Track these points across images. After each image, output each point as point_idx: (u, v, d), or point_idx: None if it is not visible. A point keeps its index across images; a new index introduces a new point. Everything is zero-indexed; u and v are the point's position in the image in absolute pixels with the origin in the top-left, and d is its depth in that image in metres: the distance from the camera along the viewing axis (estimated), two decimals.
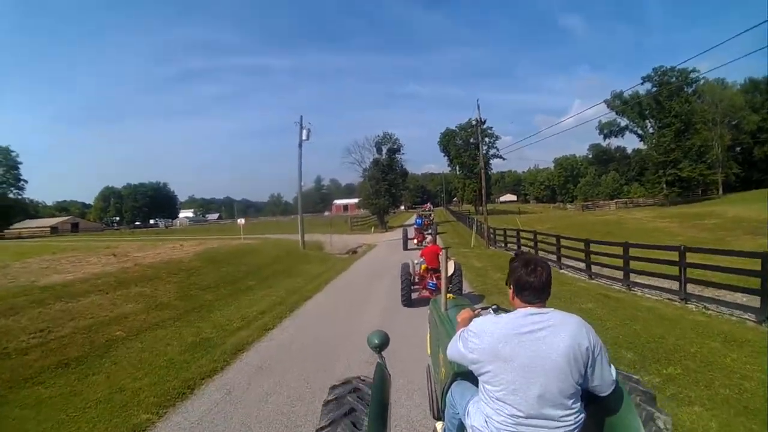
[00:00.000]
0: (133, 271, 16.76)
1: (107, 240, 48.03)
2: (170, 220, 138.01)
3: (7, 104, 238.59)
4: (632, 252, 13.98)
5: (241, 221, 39.39)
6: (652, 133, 77.11)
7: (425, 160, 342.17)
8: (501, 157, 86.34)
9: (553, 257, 19.75)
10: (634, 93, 74.91)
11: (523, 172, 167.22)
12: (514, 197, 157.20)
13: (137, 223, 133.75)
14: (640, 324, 9.22)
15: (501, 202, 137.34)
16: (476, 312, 3.27)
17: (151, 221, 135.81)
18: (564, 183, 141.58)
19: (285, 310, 12.92)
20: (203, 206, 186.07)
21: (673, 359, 7.16)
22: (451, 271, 11.00)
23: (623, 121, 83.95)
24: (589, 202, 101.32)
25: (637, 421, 2.43)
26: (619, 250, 14.33)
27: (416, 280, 13.00)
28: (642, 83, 73.78)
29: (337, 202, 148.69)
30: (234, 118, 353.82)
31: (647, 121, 77.78)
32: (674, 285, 11.85)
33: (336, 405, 2.91)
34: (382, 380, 3.21)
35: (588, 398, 2.53)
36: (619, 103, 74.65)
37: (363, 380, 3.20)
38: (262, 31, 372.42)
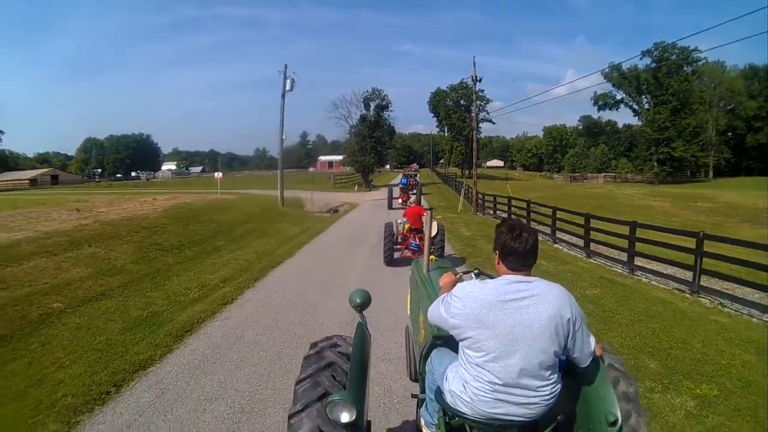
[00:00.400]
0: (90, 229, 14.85)
1: (82, 193, 45.49)
2: (152, 173, 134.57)
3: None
4: (640, 233, 12.71)
5: (218, 175, 36.89)
6: (648, 109, 75.25)
7: (413, 120, 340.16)
8: (491, 121, 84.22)
9: (547, 230, 18.56)
10: (632, 66, 73.01)
11: (511, 138, 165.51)
12: (500, 163, 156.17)
13: (118, 175, 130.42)
14: (658, 322, 7.97)
15: (488, 167, 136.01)
16: (458, 276, 3.22)
17: (132, 173, 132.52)
18: (552, 152, 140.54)
19: (250, 278, 11.57)
20: (187, 159, 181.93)
21: (705, 374, 5.96)
22: (434, 232, 11.59)
23: (619, 94, 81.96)
24: (577, 174, 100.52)
25: (612, 394, 2.44)
26: (623, 230, 13.10)
27: (399, 240, 13.30)
28: (641, 57, 71.91)
29: (322, 158, 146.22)
30: (222, 70, 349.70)
31: (644, 96, 75.81)
32: (683, 273, 10.72)
33: (316, 358, 2.92)
34: (362, 339, 3.14)
35: (565, 370, 2.56)
36: (617, 75, 72.85)
37: (344, 338, 3.24)
38: None
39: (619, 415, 2.36)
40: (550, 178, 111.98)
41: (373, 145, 55.51)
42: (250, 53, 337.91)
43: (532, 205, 22.21)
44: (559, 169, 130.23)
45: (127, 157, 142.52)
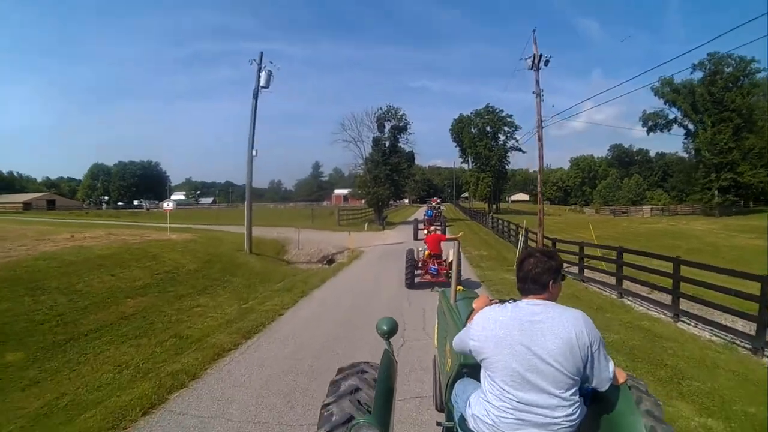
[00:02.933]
0: None
1: (60, 221, 40.28)
2: (155, 202, 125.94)
3: (14, 79, 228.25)
4: None
5: (168, 206, 26.42)
6: (705, 130, 63.25)
7: (432, 155, 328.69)
8: (520, 149, 74.33)
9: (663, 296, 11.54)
10: (686, 80, 62.25)
11: (534, 171, 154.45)
12: (526, 196, 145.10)
13: (119, 203, 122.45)
14: None
15: (512, 201, 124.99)
16: (492, 301, 2.99)
17: (135, 202, 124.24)
18: (580, 184, 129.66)
19: None
20: (200, 189, 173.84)
21: None
22: (451, 257, 11.44)
23: (672, 113, 69.44)
24: (614, 207, 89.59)
25: (641, 425, 2.37)
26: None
27: (419, 265, 14.10)
28: (692, 71, 61.23)
29: (338, 191, 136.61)
30: (241, 102, 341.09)
31: (700, 115, 64.08)
32: None
33: (342, 384, 2.92)
34: (389, 364, 3.13)
35: (591, 397, 2.54)
36: (669, 90, 62.05)
37: (370, 364, 3.24)
38: (276, 17, 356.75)
39: None
40: (580, 212, 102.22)
41: (389, 174, 44.80)
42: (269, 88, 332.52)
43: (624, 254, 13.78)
44: (587, 202, 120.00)
45: (133, 185, 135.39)
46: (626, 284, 13.38)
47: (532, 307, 2.42)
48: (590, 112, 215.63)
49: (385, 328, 3.64)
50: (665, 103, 66.36)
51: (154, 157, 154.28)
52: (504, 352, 2.35)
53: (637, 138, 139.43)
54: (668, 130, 69.67)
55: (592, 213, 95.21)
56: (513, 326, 2.37)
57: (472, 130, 77.37)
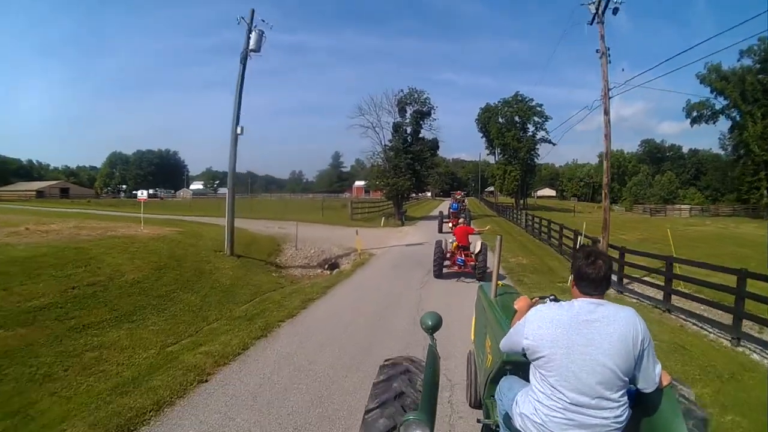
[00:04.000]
0: None
1: (54, 210, 36.97)
2: (172, 191, 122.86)
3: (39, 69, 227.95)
4: None
5: (142, 195, 22.32)
6: (755, 122, 56.77)
7: (456, 148, 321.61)
8: (551, 141, 68.75)
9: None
10: (737, 67, 56.08)
11: (560, 166, 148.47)
12: (552, 192, 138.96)
13: (134, 192, 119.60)
14: None
15: (538, 197, 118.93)
16: (534, 300, 3.12)
17: (150, 191, 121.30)
18: (608, 180, 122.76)
19: None
20: (217, 179, 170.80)
21: None
22: (477, 249, 13.89)
23: (719, 103, 62.76)
24: (649, 206, 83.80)
25: (683, 427, 2.34)
26: None
27: (447, 256, 14.28)
28: (739, 58, 55.05)
29: (359, 183, 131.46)
30: (265, 94, 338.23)
31: (749, 106, 57.55)
32: None
33: (386, 387, 2.81)
34: (433, 361, 2.97)
35: (636, 399, 2.51)
36: (716, 78, 56.00)
37: (413, 361, 3.14)
38: (299, 6, 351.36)
39: None
40: (611, 209, 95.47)
41: (410, 163, 39.57)
42: (292, 79, 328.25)
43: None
44: (614, 200, 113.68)
45: (150, 174, 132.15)
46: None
47: (588, 305, 2.40)
48: (617, 107, 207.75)
49: (429, 323, 3.40)
50: (712, 92, 59.92)
51: (176, 147, 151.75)
52: (560, 352, 2.32)
53: (667, 134, 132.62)
54: (714, 122, 63.63)
55: (622, 211, 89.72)
56: (570, 326, 2.35)
57: (500, 120, 71.84)
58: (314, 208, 38.37)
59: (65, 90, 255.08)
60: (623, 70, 45.82)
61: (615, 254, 13.89)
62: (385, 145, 40.05)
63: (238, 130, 17.82)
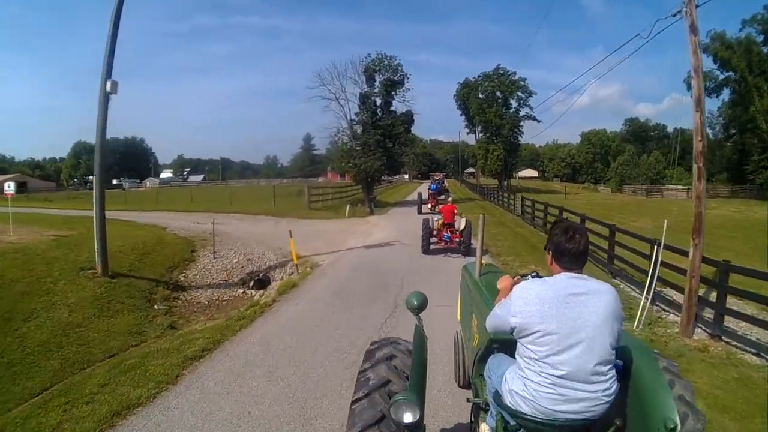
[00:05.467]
0: None
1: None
2: (137, 181, 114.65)
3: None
4: None
5: (8, 189, 15.10)
6: (760, 97, 51.19)
7: (433, 131, 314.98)
8: (535, 118, 63.14)
9: None
10: (743, 35, 50.58)
11: (540, 146, 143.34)
12: (534, 173, 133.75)
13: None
14: None
15: (520, 178, 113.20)
16: (516, 279, 3.01)
17: (114, 181, 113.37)
18: (591, 161, 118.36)
19: None
20: (191, 167, 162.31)
21: None
22: (462, 226, 14.13)
23: (723, 74, 56.27)
24: (643, 187, 79.32)
25: (670, 399, 2.29)
26: None
27: (434, 233, 14.61)
28: (741, 28, 49.72)
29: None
30: (237, 78, 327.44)
31: (756, 78, 51.76)
32: None
33: (371, 374, 2.71)
34: (421, 341, 3.00)
35: (621, 374, 2.49)
36: (720, 46, 50.37)
37: (397, 344, 3.04)
38: None
39: (678, 420, 2.21)
40: (594, 190, 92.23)
41: (380, 140, 32.77)
42: (265, 63, 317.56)
43: None
44: (597, 180, 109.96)
45: (115, 163, 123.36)
46: None
47: (572, 280, 2.42)
48: (593, 89, 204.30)
49: (414, 302, 3.39)
50: (715, 62, 53.86)
51: (145, 135, 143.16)
52: (550, 327, 2.31)
53: (642, 115, 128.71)
54: (716, 95, 57.82)
55: (608, 192, 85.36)
56: (557, 300, 2.35)
57: (480, 95, 65.53)
58: (268, 195, 31.78)
59: (30, 80, 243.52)
60: None
61: (708, 272, 8.16)
62: (351, 120, 33.62)
63: (108, 87, 11.50)
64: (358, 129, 33.66)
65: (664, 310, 9.15)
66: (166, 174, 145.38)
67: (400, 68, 33.80)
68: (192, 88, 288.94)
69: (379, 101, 33.89)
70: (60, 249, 12.70)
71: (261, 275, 13.06)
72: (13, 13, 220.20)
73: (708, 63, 52.07)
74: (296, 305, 9.05)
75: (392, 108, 34.50)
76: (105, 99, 11.54)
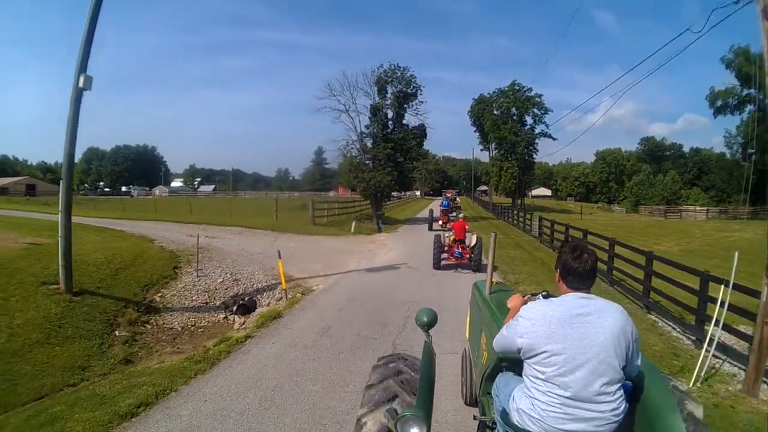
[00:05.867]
0: None
1: None
2: (146, 189, 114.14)
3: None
4: None
5: None
6: None
7: (446, 148, 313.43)
8: (551, 136, 61.84)
9: None
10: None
11: (554, 165, 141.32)
12: (548, 191, 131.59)
13: (106, 189, 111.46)
14: None
15: (534, 197, 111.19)
16: (527, 298, 2.98)
17: (124, 188, 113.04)
18: (605, 180, 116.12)
19: None
20: (204, 176, 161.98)
21: None
22: (473, 242, 14.33)
23: (746, 91, 54.24)
24: (661, 208, 77.29)
25: (680, 422, 2.26)
26: None
27: (445, 249, 14.63)
28: None
29: None
30: (253, 91, 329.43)
31: None
32: None
33: (379, 389, 2.71)
34: (429, 356, 2.98)
35: (631, 394, 2.46)
36: (744, 62, 48.41)
37: (405, 359, 3.08)
38: (288, 3, 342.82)
39: None
40: (609, 210, 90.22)
41: (391, 154, 31.39)
42: (281, 76, 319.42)
43: None
44: (610, 200, 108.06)
45: (126, 170, 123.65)
46: None
47: (578, 300, 2.40)
48: (606, 106, 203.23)
49: (425, 319, 3.42)
50: (737, 78, 52.18)
51: (160, 144, 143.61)
52: (556, 348, 2.29)
53: (657, 135, 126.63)
54: (739, 112, 56.03)
55: (622, 213, 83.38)
56: (563, 320, 2.33)
57: (495, 111, 64.31)
58: (272, 208, 30.31)
59: (49, 84, 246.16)
60: None
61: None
62: (360, 132, 32.29)
63: (81, 82, 10.14)
64: (369, 142, 32.35)
65: (716, 356, 7.47)
66: (177, 183, 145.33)
67: (413, 80, 32.60)
68: (208, 100, 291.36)
69: (390, 114, 32.68)
70: (27, 259, 11.28)
71: (246, 299, 11.53)
72: (32, 16, 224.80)
73: (730, 79, 50.50)
74: (272, 345, 7.46)
75: (404, 121, 33.30)
76: (78, 95, 10.17)
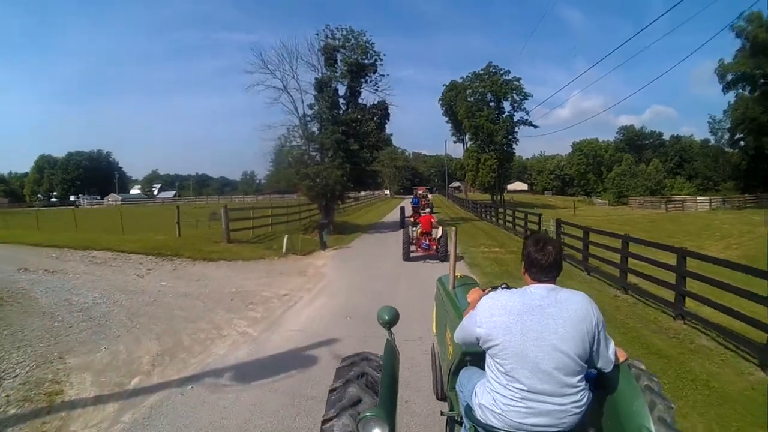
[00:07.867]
0: None
1: None
2: (97, 197, 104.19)
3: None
4: None
5: None
6: None
7: (416, 145, 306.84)
8: (532, 123, 55.24)
9: None
10: None
11: (528, 159, 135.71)
12: (524, 186, 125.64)
13: (53, 200, 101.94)
14: None
15: (509, 191, 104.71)
16: (486, 291, 2.86)
17: (72, 198, 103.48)
18: (584, 172, 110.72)
19: None
20: (164, 181, 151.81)
21: None
22: (439, 234, 14.79)
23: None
24: (643, 198, 72.37)
25: (645, 408, 2.25)
26: None
27: (413, 242, 15.18)
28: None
29: None
30: (220, 94, 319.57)
31: None
32: None
33: (342, 393, 2.56)
34: (392, 355, 2.88)
35: (595, 383, 2.44)
36: (759, 28, 42.14)
37: (369, 360, 2.90)
38: (256, 4, 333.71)
39: (653, 428, 2.18)
40: (590, 203, 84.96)
41: (342, 140, 23.47)
42: (244, 77, 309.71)
43: None
44: (587, 193, 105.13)
45: (78, 178, 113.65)
46: None
47: (540, 291, 2.31)
48: (575, 100, 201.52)
49: (386, 317, 3.27)
50: (750, 48, 45.35)
51: (115, 149, 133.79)
52: (514, 339, 2.21)
53: (626, 126, 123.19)
54: (751, 88, 49.83)
55: (605, 205, 77.98)
56: (523, 312, 2.25)
57: (469, 98, 57.25)
58: (185, 218, 21.79)
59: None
60: None
61: None
62: (303, 115, 24.41)
63: None
64: (315, 128, 24.55)
65: None
66: (135, 190, 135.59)
67: (370, 47, 24.86)
68: (173, 103, 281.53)
69: (342, 90, 24.83)
70: None
71: None
72: None
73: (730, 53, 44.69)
74: None
75: (361, 99, 25.46)
76: None
